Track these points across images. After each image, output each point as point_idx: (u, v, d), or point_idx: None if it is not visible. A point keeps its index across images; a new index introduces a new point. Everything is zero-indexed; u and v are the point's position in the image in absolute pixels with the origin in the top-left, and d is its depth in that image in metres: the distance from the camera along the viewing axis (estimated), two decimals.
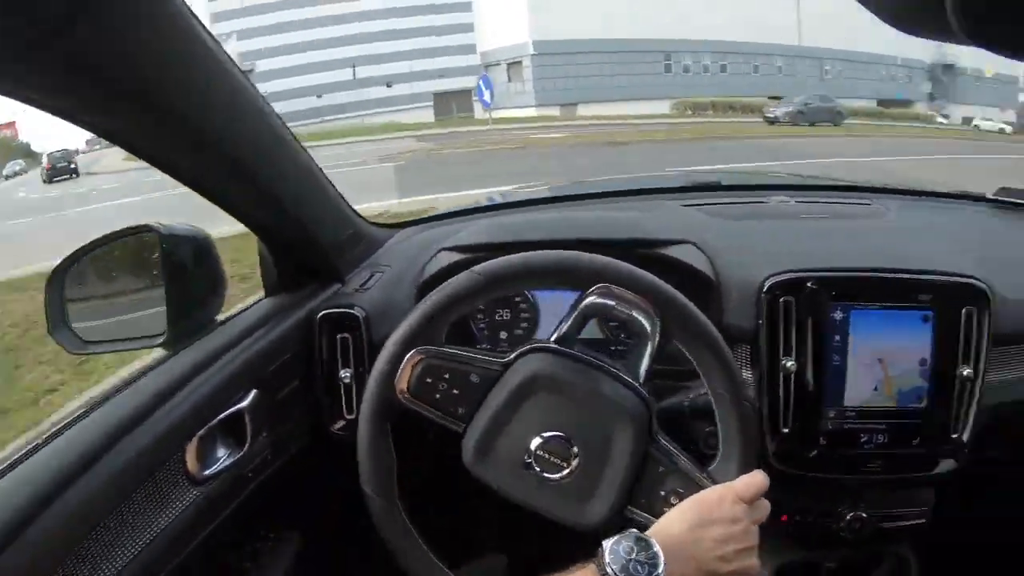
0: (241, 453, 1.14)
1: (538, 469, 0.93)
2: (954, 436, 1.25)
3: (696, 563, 0.85)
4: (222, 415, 1.11)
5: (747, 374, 1.26)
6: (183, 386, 1.07)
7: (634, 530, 0.84)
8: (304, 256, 1.34)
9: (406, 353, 0.95)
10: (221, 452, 1.13)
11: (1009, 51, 0.73)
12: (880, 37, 31.64)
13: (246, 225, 1.24)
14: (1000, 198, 1.74)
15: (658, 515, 0.90)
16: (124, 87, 0.80)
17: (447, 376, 0.95)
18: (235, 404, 1.14)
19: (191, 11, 0.82)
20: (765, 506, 0.92)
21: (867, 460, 1.26)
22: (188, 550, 1.03)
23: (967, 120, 34.84)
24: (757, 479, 0.90)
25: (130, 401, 1.01)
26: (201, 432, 1.07)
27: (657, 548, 0.82)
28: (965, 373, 1.22)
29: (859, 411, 1.24)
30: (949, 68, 37.75)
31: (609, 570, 0.81)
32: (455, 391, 0.95)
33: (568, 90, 33.90)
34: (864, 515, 1.32)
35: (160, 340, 1.22)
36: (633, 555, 0.81)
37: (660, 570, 0.81)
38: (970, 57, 35.20)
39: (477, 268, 0.98)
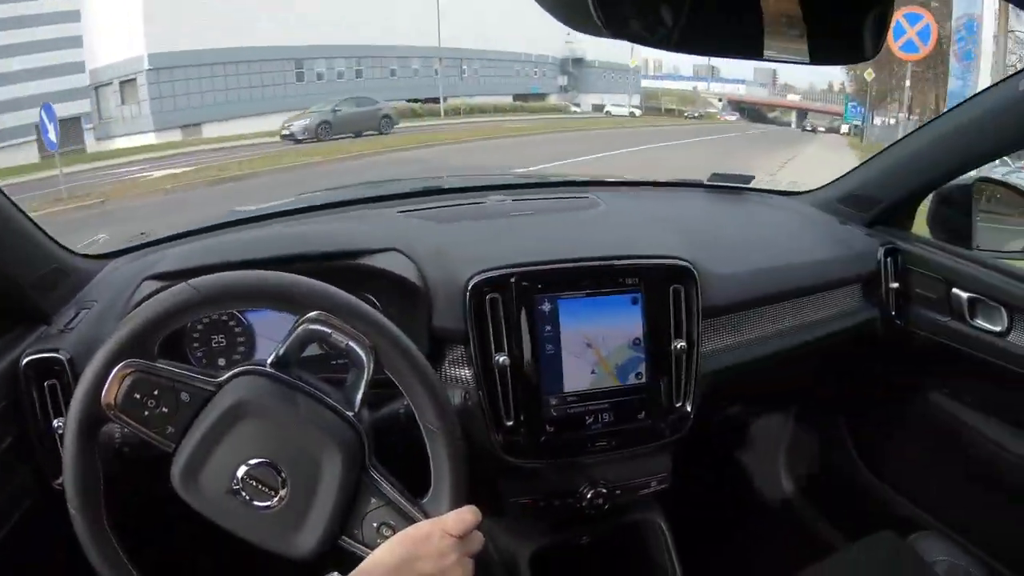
0: None
1: (246, 496, 0.90)
2: (678, 405, 1.35)
3: None
4: None
5: (464, 371, 1.28)
6: None
7: (335, 573, 0.85)
8: (1, 298, 1.17)
9: (114, 366, 0.88)
10: None
11: (643, 43, 0.86)
12: (515, 36, 33.83)
13: None
14: (713, 183, 1.93)
15: (372, 546, 0.91)
16: None
17: (156, 393, 0.89)
18: None
19: None
20: (477, 539, 0.94)
21: (596, 439, 1.31)
22: None
23: (597, 107, 39.70)
24: (466, 516, 0.92)
25: None
26: None
27: None
28: (679, 347, 1.32)
29: (580, 395, 1.29)
30: (578, 61, 41.52)
31: None
32: (165, 409, 0.90)
33: (191, 109, 29.30)
34: (604, 491, 1.38)
35: None
36: None
37: None
38: (595, 50, 39.88)
39: (194, 281, 0.93)
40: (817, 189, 1.91)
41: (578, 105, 41.02)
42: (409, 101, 30.64)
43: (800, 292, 1.55)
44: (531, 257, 1.30)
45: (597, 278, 1.30)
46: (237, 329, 1.29)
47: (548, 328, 1.27)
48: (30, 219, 1.21)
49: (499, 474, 1.36)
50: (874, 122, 33.00)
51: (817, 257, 1.63)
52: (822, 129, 44.65)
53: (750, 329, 1.49)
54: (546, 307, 1.27)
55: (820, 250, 1.66)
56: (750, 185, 1.93)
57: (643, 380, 1.33)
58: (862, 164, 1.82)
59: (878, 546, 1.36)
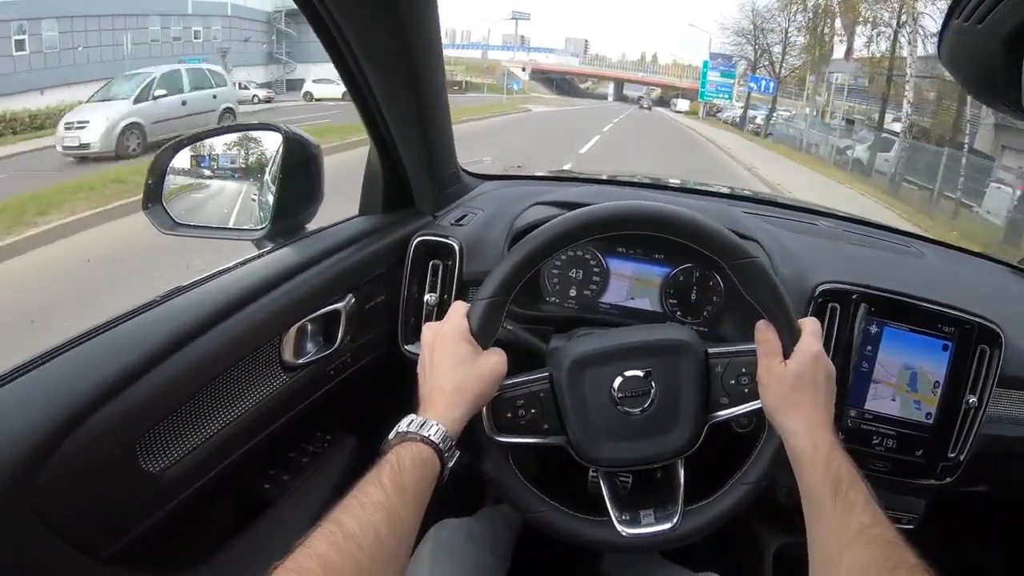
0: (329, 350, 1.22)
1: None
2: (952, 455, 1.40)
3: None
4: (321, 310, 1.19)
5: None
6: (286, 280, 1.14)
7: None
8: (407, 184, 1.42)
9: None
10: (312, 347, 1.21)
11: None
12: None
13: (378, 141, 1.33)
14: (1022, 266, 1.93)
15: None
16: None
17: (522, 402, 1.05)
18: (333, 304, 1.22)
19: None
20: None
21: (875, 459, 1.39)
22: (265, 433, 1.12)
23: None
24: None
25: (235, 285, 1.09)
26: (298, 323, 1.15)
27: None
28: (971, 401, 1.37)
29: (876, 415, 1.38)
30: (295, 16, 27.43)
31: None
32: (532, 410, 1.05)
33: None
34: None
35: (259, 234, 1.26)
36: None
37: None
38: None
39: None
40: None
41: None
42: None
43: None
44: (868, 281, 1.39)
45: (921, 317, 1.37)
46: (596, 268, 1.44)
47: (869, 348, 1.37)
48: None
49: None
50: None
51: None
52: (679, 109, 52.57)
53: None
54: (873, 329, 1.36)
55: None
56: None
57: (931, 421, 1.38)
58: None
59: None
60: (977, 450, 1.42)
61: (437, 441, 0.88)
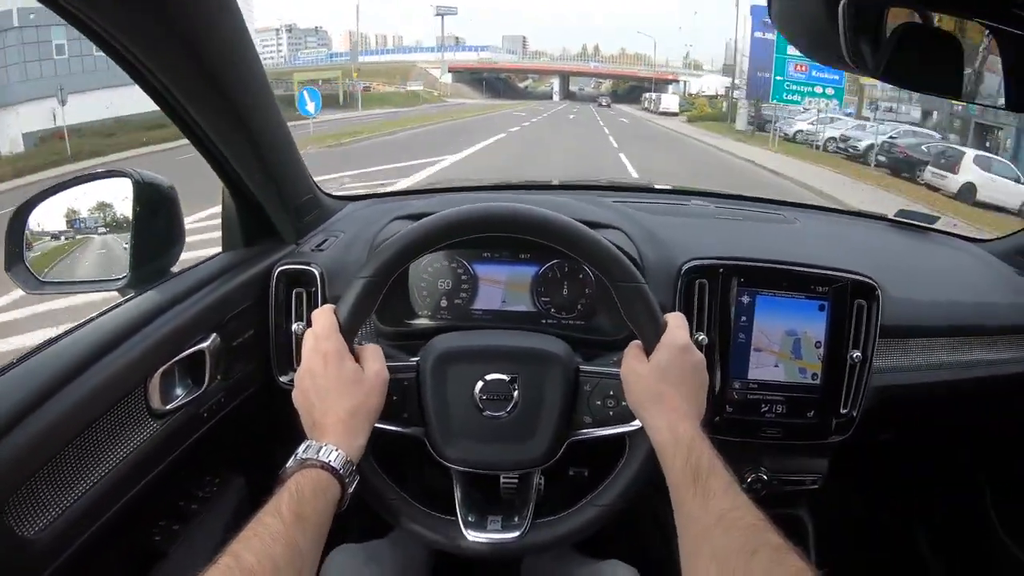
0: (199, 392, 1.20)
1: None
2: (844, 411, 1.43)
3: None
4: (183, 353, 1.17)
5: None
6: (145, 324, 1.13)
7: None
8: (265, 215, 1.42)
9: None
10: (180, 390, 1.19)
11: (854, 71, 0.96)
12: None
13: (224, 178, 1.32)
14: (898, 219, 1.99)
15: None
16: (172, 40, 0.95)
17: None
18: (196, 344, 1.20)
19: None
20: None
21: (767, 427, 1.42)
22: (141, 484, 1.09)
23: None
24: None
25: (92, 335, 1.06)
26: (163, 368, 1.13)
27: None
28: (855, 356, 1.41)
29: (761, 383, 1.41)
30: None
31: None
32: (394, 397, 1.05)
33: None
34: (764, 477, 1.50)
35: (121, 283, 1.24)
36: None
37: None
38: None
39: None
40: (998, 239, 1.94)
41: None
42: None
43: (970, 331, 1.60)
44: (735, 253, 1.43)
45: (792, 282, 1.41)
46: (464, 276, 1.45)
47: (744, 318, 1.40)
48: (299, 155, 1.46)
49: None
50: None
51: (991, 300, 1.67)
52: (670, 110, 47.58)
53: (921, 356, 1.56)
54: (745, 299, 1.40)
55: (995, 294, 1.70)
56: (935, 226, 1.98)
57: (818, 381, 1.42)
58: None
59: None
60: (872, 402, 1.46)
61: (338, 467, 0.88)
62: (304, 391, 0.97)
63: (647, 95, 59.30)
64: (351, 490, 0.90)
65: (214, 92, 1.08)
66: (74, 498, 0.96)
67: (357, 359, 0.98)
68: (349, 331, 0.99)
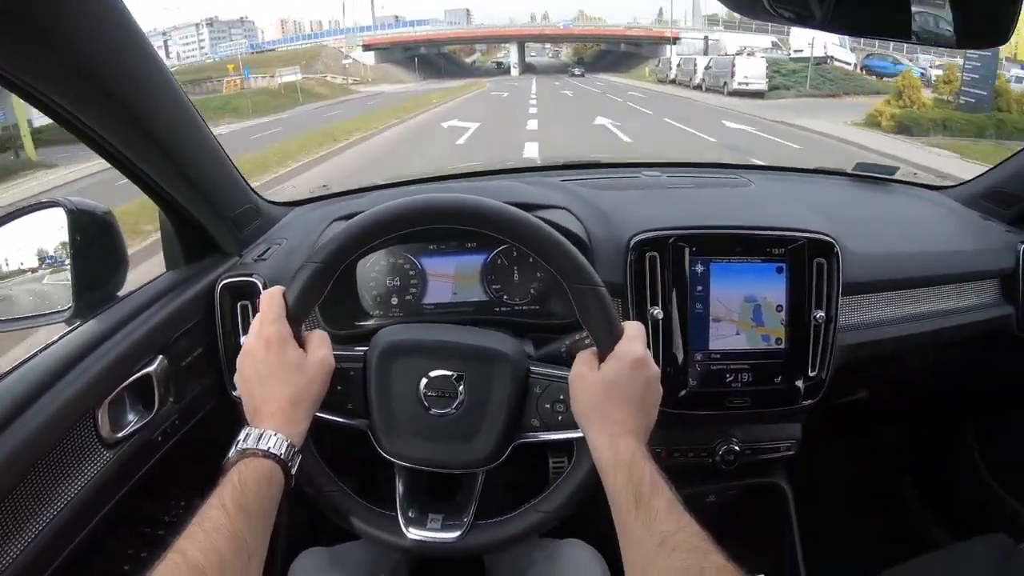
0: (150, 416, 1.19)
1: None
2: (812, 374, 1.42)
3: None
4: (130, 379, 1.16)
5: None
6: (89, 353, 1.11)
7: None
8: (204, 230, 1.40)
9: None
10: (131, 416, 1.17)
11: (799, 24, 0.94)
12: None
13: (153, 198, 1.30)
14: (857, 172, 1.98)
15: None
16: (63, 64, 0.90)
17: None
18: (142, 369, 1.19)
19: (126, 9, 0.96)
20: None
21: (733, 396, 1.41)
22: (101, 515, 1.08)
23: None
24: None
25: (35, 370, 1.05)
26: (111, 396, 1.11)
27: None
28: (818, 316, 1.40)
29: (724, 353, 1.40)
30: None
31: None
32: (338, 387, 1.05)
33: None
34: (736, 448, 1.49)
35: (66, 315, 1.22)
36: None
37: None
38: None
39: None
40: (961, 184, 1.93)
41: None
42: None
43: (936, 280, 1.59)
44: (685, 222, 1.42)
45: (747, 246, 1.39)
46: (411, 272, 1.44)
47: (699, 288, 1.38)
48: (233, 165, 1.43)
49: None
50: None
51: (954, 248, 1.66)
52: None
53: (886, 310, 1.55)
54: (699, 268, 1.38)
55: (958, 242, 1.69)
56: (895, 176, 1.97)
57: (783, 346, 1.41)
58: (1007, 160, 1.82)
59: (991, 547, 1.39)
60: (841, 362, 1.45)
61: (279, 453, 0.88)
62: (246, 377, 0.96)
63: (665, 59, 41.12)
64: (294, 472, 0.90)
65: (127, 119, 1.06)
66: (30, 537, 0.94)
67: (302, 345, 0.97)
68: (297, 317, 0.98)
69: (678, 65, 33.63)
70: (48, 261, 1.27)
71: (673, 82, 33.79)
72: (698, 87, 29.35)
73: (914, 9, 0.95)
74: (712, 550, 0.78)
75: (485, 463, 1.05)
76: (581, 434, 0.98)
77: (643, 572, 0.80)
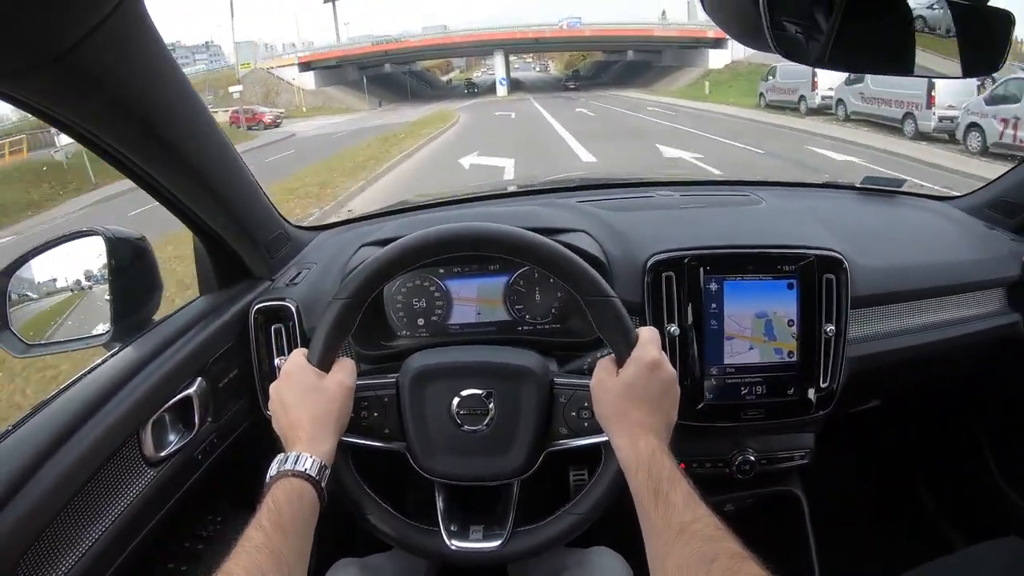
0: (191, 436, 1.25)
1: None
2: (824, 385, 1.45)
3: None
4: (171, 400, 1.22)
5: None
6: (132, 377, 1.17)
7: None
8: (237, 255, 1.45)
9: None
10: (173, 436, 1.23)
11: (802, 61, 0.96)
12: None
13: (189, 226, 1.35)
14: (865, 186, 2.01)
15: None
16: (114, 106, 0.96)
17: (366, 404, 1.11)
18: (183, 391, 1.24)
19: (164, 44, 1.00)
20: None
21: (748, 408, 1.45)
22: (145, 531, 1.13)
23: None
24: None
25: (80, 395, 1.10)
26: (153, 417, 1.17)
27: None
28: (828, 330, 1.43)
29: (738, 367, 1.44)
30: None
31: None
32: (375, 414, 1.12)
33: None
34: (752, 458, 1.53)
35: (105, 338, 1.27)
36: None
37: None
38: None
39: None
40: (967, 194, 1.95)
41: None
42: None
43: (943, 291, 1.62)
44: (702, 242, 1.46)
45: (758, 264, 1.43)
46: (436, 293, 1.48)
47: (714, 305, 1.43)
48: (264, 192, 1.49)
49: None
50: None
51: (961, 258, 1.69)
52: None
53: (895, 321, 1.59)
54: (713, 286, 1.42)
55: (964, 252, 1.71)
56: (902, 189, 2.00)
57: (795, 359, 1.44)
58: (1012, 169, 1.85)
59: (1002, 549, 1.42)
60: (852, 373, 1.48)
61: (309, 471, 0.94)
62: (275, 413, 1.05)
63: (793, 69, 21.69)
64: (325, 485, 0.96)
65: (171, 156, 1.12)
66: (80, 553, 0.99)
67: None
68: (329, 351, 1.04)
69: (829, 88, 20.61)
70: (86, 286, 1.33)
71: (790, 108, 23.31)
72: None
73: (919, 46, 0.99)
74: (727, 538, 0.82)
75: (520, 473, 1.10)
76: (607, 437, 1.03)
77: (663, 561, 0.85)
